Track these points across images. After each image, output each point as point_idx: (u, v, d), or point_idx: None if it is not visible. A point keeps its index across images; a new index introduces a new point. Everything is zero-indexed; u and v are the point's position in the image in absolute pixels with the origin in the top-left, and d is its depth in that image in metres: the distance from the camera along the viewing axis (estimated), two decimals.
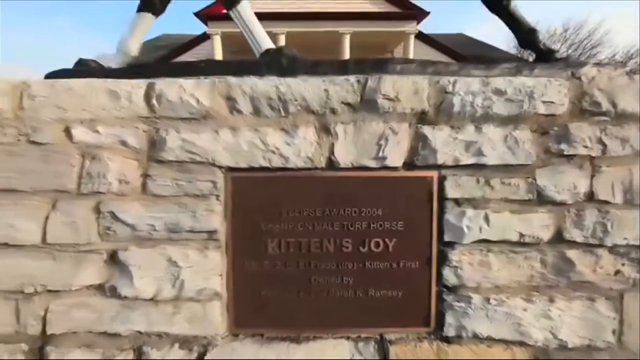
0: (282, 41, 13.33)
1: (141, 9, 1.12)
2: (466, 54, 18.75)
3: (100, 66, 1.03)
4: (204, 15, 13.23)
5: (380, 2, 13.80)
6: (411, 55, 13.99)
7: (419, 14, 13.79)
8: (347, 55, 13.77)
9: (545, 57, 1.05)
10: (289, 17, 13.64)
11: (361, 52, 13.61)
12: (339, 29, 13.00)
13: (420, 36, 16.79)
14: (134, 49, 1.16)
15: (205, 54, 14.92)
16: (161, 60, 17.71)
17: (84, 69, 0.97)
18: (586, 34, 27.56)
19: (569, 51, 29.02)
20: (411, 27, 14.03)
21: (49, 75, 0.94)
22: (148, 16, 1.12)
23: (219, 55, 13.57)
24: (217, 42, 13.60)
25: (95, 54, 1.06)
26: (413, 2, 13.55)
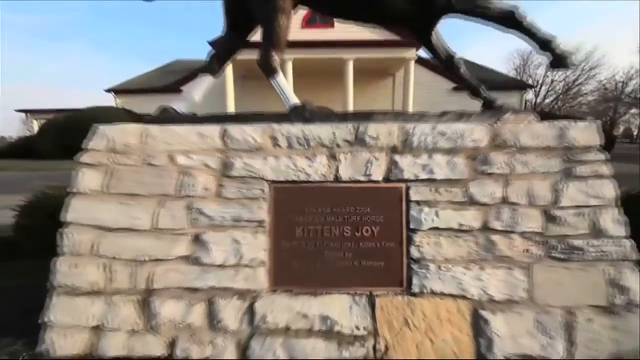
0: (290, 67, 14.27)
1: (204, 71, 1.64)
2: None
3: (178, 113, 1.53)
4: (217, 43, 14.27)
5: (381, 30, 14.80)
6: (411, 79, 14.76)
7: (417, 42, 14.68)
8: (350, 79, 14.59)
9: (489, 105, 1.53)
10: (296, 45, 14.67)
11: (364, 76, 14.49)
12: (342, 56, 13.96)
13: (420, 61, 17.73)
14: (197, 98, 1.66)
15: (218, 79, 15.92)
16: (176, 83, 18.70)
17: (174, 115, 1.46)
18: (583, 56, 28.38)
19: (568, 73, 29.63)
20: (411, 54, 14.91)
21: (152, 120, 1.43)
22: (208, 77, 1.63)
23: (230, 79, 14.51)
24: (229, 67, 14.60)
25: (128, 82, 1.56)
26: None
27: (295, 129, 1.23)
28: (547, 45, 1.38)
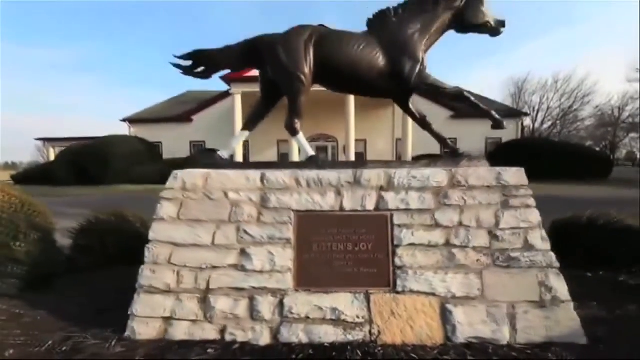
0: None
1: (243, 128, 2.24)
2: (460, 104, 20.55)
3: (223, 159, 2.10)
4: (228, 78, 15.58)
5: None
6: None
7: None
8: (352, 109, 15.51)
9: (454, 153, 2.08)
10: None
11: (365, 105, 15.44)
12: None
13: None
14: (234, 148, 2.25)
15: (227, 108, 17.07)
16: (187, 113, 19.74)
17: (221, 161, 2.03)
18: (576, 84, 29.75)
19: (562, 100, 30.81)
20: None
21: (205, 165, 2.00)
22: (245, 133, 2.23)
23: (239, 110, 15.54)
24: (238, 99, 15.73)
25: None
26: None
27: (312, 174, 1.79)
28: (487, 114, 1.97)
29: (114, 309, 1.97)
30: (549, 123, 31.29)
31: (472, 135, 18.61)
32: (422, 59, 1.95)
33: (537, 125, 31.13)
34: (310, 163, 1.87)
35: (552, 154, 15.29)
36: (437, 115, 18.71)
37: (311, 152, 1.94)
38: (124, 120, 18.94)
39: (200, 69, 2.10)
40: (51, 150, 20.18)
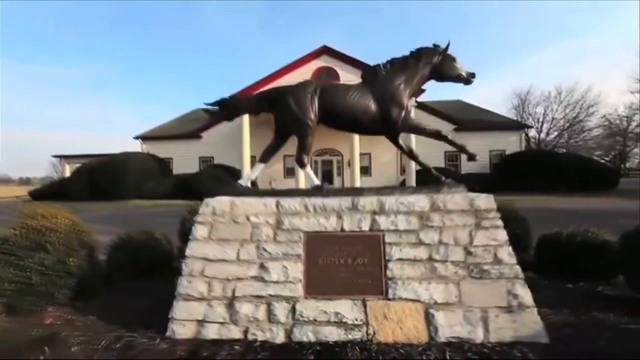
0: None
1: (259, 161, 2.68)
2: (462, 117, 21.02)
3: (243, 187, 2.53)
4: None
5: None
6: None
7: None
8: None
9: (437, 181, 2.47)
10: None
11: None
12: None
13: (422, 106, 19.41)
14: (253, 178, 2.68)
15: (235, 124, 17.77)
16: (197, 130, 20.54)
17: (242, 189, 2.46)
18: (580, 95, 30.02)
19: (566, 111, 30.95)
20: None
21: (229, 192, 2.43)
22: (262, 165, 2.67)
23: (246, 127, 16.22)
24: (246, 117, 16.42)
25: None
26: None
27: (318, 201, 2.20)
28: (462, 149, 2.38)
29: (153, 314, 2.37)
30: (555, 134, 31.38)
31: (476, 148, 18.84)
32: (407, 105, 2.38)
33: (542, 136, 31.26)
34: (316, 191, 2.29)
35: (554, 165, 15.45)
36: (441, 128, 19.10)
37: (317, 181, 2.37)
38: (137, 138, 19.85)
39: (225, 113, 2.58)
40: (67, 166, 21.14)
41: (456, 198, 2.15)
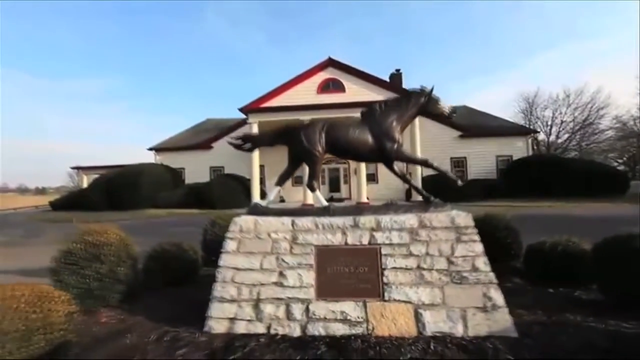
0: None
1: (276, 184, 3.21)
2: (467, 122, 21.26)
3: (262, 206, 3.06)
4: (246, 109, 17.13)
5: (386, 92, 17.22)
6: (417, 132, 16.53)
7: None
8: None
9: (426, 201, 2.95)
10: (312, 107, 17.27)
11: None
12: (354, 115, 16.18)
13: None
14: (271, 199, 3.21)
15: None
16: (207, 141, 21.37)
17: (264, 209, 2.99)
18: (589, 98, 29.81)
19: (575, 114, 30.69)
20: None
21: (252, 212, 2.96)
22: (278, 187, 3.19)
23: None
24: (255, 128, 17.16)
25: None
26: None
27: (326, 220, 2.70)
28: (444, 174, 2.86)
29: (188, 314, 2.89)
30: (565, 136, 31.16)
31: (483, 154, 19.14)
32: (399, 139, 2.88)
33: (552, 138, 31.08)
34: (324, 211, 2.80)
35: (561, 170, 15.55)
36: (446, 134, 19.47)
37: (325, 203, 2.87)
38: (150, 149, 20.81)
39: (247, 145, 3.12)
40: (84, 177, 22.25)
41: (440, 217, 2.62)
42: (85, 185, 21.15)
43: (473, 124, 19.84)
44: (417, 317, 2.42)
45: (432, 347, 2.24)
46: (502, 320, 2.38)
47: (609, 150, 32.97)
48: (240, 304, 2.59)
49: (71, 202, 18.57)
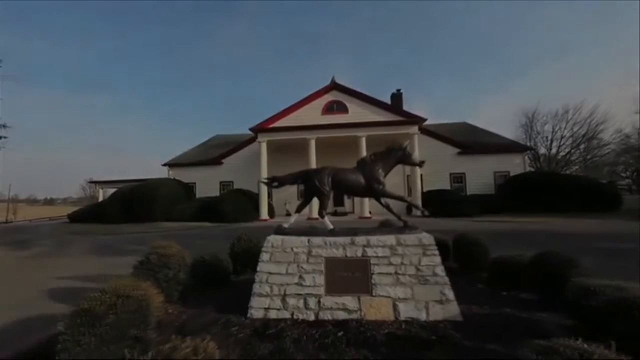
0: (313, 144, 17.96)
1: (295, 212, 4.47)
2: (467, 139, 22.53)
3: (289, 229, 4.31)
4: (256, 130, 18.62)
5: (388, 113, 18.62)
6: (416, 149, 17.80)
7: (419, 120, 18.23)
8: (364, 150, 17.83)
9: (405, 224, 4.18)
10: (317, 127, 18.73)
11: (376, 148, 17.78)
12: (357, 134, 17.54)
13: (428, 132, 21.15)
14: (292, 222, 4.48)
15: (253, 151, 19.96)
16: (218, 157, 22.85)
17: (289, 230, 4.24)
18: (587, 113, 30.95)
19: (574, 129, 31.74)
20: (414, 130, 18.31)
21: (279, 232, 4.21)
22: (297, 215, 4.45)
23: (264, 153, 18.24)
24: (264, 146, 18.58)
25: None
26: (415, 113, 18.34)
27: (332, 239, 3.94)
28: (416, 206, 4.10)
29: (231, 308, 4.10)
30: (566, 151, 32.14)
31: (481, 170, 20.27)
32: (383, 182, 4.13)
33: (552, 152, 32.08)
34: (330, 233, 4.03)
35: (557, 186, 16.54)
36: (445, 151, 20.69)
37: (331, 226, 4.11)
38: (164, 165, 22.35)
39: (275, 183, 4.41)
40: (100, 191, 23.80)
41: (411, 237, 3.84)
42: (101, 198, 22.61)
43: (472, 141, 21.06)
44: (395, 307, 3.60)
45: (403, 326, 3.42)
46: (452, 310, 3.55)
47: (611, 164, 33.77)
48: (272, 298, 3.80)
49: (89, 214, 19.98)
